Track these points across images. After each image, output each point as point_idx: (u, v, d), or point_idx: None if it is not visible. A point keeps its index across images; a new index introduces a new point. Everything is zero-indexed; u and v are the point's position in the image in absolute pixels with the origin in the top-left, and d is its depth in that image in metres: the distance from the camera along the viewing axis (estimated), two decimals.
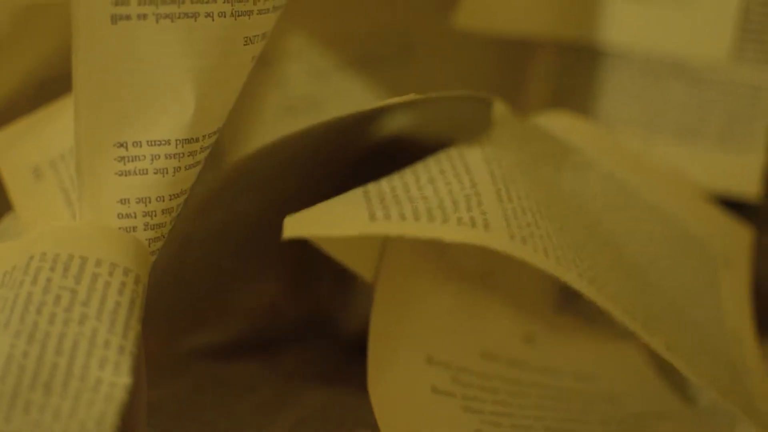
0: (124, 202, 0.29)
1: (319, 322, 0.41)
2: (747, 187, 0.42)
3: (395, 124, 0.36)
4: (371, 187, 0.30)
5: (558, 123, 0.38)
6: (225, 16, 0.29)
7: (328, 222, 0.29)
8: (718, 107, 0.43)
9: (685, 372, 0.30)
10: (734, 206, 0.43)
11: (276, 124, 0.42)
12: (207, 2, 0.28)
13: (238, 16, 0.29)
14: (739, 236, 0.39)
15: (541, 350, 0.35)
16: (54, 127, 0.32)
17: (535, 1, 0.43)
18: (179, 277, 0.36)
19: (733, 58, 0.42)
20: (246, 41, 0.29)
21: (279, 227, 0.29)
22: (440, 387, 0.31)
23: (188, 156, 0.29)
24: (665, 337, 0.30)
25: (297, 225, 0.28)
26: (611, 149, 0.38)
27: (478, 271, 0.35)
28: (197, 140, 0.29)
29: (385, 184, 0.30)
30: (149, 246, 0.29)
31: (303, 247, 0.39)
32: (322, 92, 0.42)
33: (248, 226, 0.37)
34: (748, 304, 0.38)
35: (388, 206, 0.29)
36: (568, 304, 0.38)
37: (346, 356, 0.40)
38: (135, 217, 0.29)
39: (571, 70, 0.45)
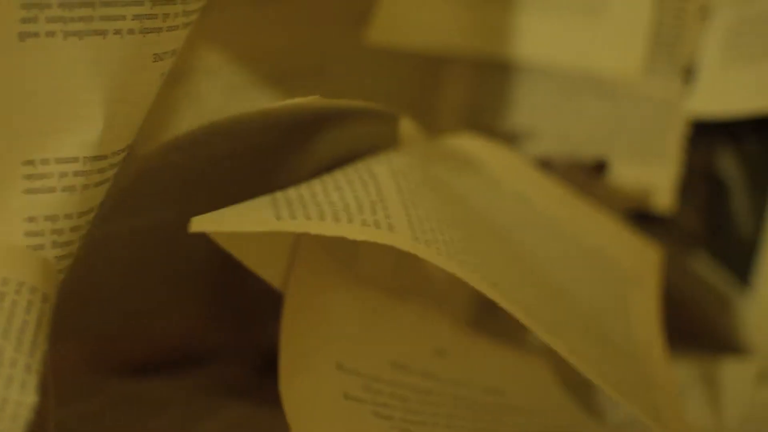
0: (31, 219, 0.28)
1: (235, 343, 0.41)
2: (660, 200, 0.43)
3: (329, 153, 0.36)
4: (279, 194, 0.31)
5: (467, 143, 0.38)
6: (134, 33, 0.29)
7: (235, 220, 0.29)
8: (630, 121, 0.43)
9: (589, 374, 0.30)
10: (647, 218, 0.44)
11: None
12: (116, 20, 0.28)
13: (147, 33, 0.29)
14: (648, 256, 0.40)
15: (451, 363, 0.35)
16: None
17: (446, 17, 0.43)
18: (92, 287, 0.35)
19: (645, 72, 0.42)
20: (155, 58, 0.29)
21: (201, 256, 0.29)
22: (351, 393, 0.32)
23: (97, 173, 0.29)
24: (569, 345, 0.31)
25: (204, 222, 0.29)
26: (520, 170, 0.39)
27: (387, 285, 0.35)
28: (106, 157, 0.29)
29: (292, 192, 0.31)
30: (57, 264, 0.29)
31: (220, 276, 0.39)
32: (236, 108, 0.42)
33: (166, 247, 0.36)
34: (657, 322, 0.38)
35: (295, 209, 0.30)
36: (483, 320, 0.38)
37: (261, 374, 0.40)
38: (43, 234, 0.29)
39: (485, 86, 0.45)
